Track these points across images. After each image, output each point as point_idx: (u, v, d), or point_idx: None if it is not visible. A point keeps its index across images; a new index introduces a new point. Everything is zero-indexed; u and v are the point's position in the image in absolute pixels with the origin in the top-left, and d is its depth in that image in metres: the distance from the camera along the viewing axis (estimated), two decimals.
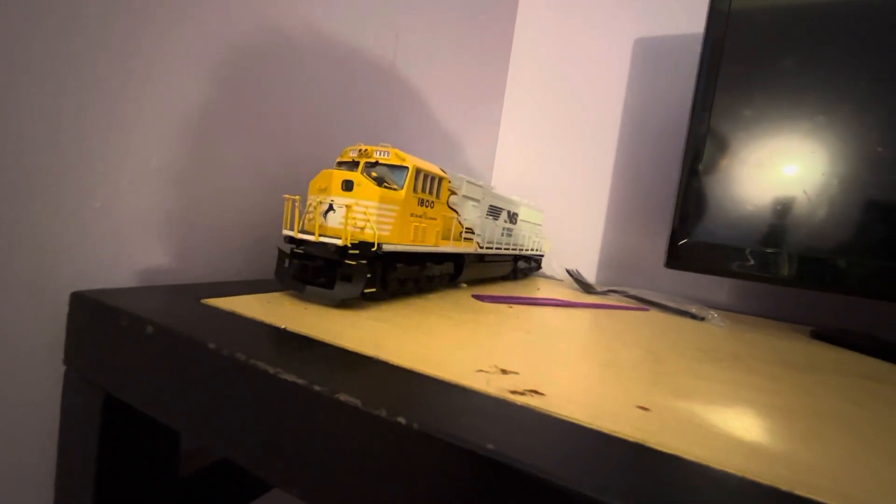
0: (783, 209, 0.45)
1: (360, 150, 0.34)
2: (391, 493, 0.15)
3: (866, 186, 0.41)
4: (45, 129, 0.26)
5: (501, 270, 0.57)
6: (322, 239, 0.30)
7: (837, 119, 0.42)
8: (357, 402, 0.16)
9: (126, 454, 0.27)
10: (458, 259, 0.45)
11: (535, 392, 0.19)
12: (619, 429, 0.17)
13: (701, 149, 0.47)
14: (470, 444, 0.14)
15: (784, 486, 0.14)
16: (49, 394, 0.27)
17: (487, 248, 0.49)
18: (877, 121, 0.41)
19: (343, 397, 0.16)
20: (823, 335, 0.46)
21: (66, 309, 0.26)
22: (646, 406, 0.19)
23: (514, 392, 0.19)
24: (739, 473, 0.15)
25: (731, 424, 0.19)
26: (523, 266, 0.64)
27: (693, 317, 0.48)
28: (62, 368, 0.27)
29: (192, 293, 0.29)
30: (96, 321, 0.25)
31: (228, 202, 0.38)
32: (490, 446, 0.14)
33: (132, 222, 0.31)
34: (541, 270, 0.75)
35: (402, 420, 0.15)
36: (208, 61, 0.34)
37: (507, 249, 0.55)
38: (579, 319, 0.39)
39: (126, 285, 0.31)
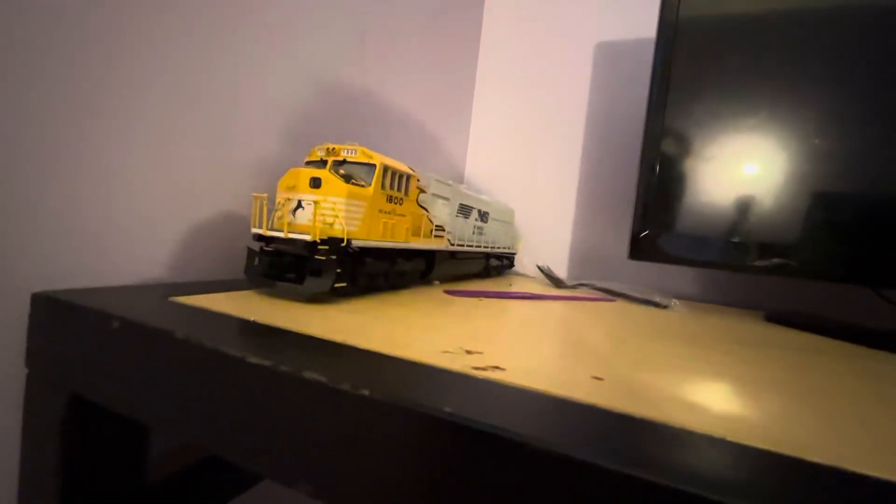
0: (735, 200, 0.48)
1: (328, 149, 0.35)
2: (358, 463, 0.16)
3: (806, 176, 0.45)
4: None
5: (474, 267, 0.58)
6: (291, 235, 0.30)
7: (778, 114, 0.45)
8: (323, 378, 0.16)
9: (92, 457, 0.27)
10: (429, 256, 0.46)
11: (497, 368, 0.20)
12: (572, 394, 0.18)
13: (657, 146, 0.50)
14: (430, 409, 0.15)
15: (717, 434, 0.15)
16: (9, 398, 0.27)
17: (458, 245, 0.50)
18: (813, 114, 0.44)
19: (309, 375, 0.17)
20: (776, 318, 0.49)
21: (25, 310, 0.26)
22: (600, 376, 0.21)
23: (476, 368, 0.20)
24: (678, 425, 0.16)
25: (678, 389, 0.20)
26: (496, 264, 0.66)
27: (657, 305, 0.50)
28: (24, 371, 0.26)
29: (158, 292, 0.28)
30: (60, 321, 0.24)
31: (195, 203, 0.38)
32: (448, 409, 0.15)
33: (93, 224, 0.31)
34: (514, 268, 0.77)
35: (365, 392, 0.16)
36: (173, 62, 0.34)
37: (479, 247, 0.56)
38: (546, 310, 0.40)
39: (88, 286, 0.30)
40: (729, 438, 0.15)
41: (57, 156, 0.29)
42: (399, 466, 0.16)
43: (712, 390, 0.21)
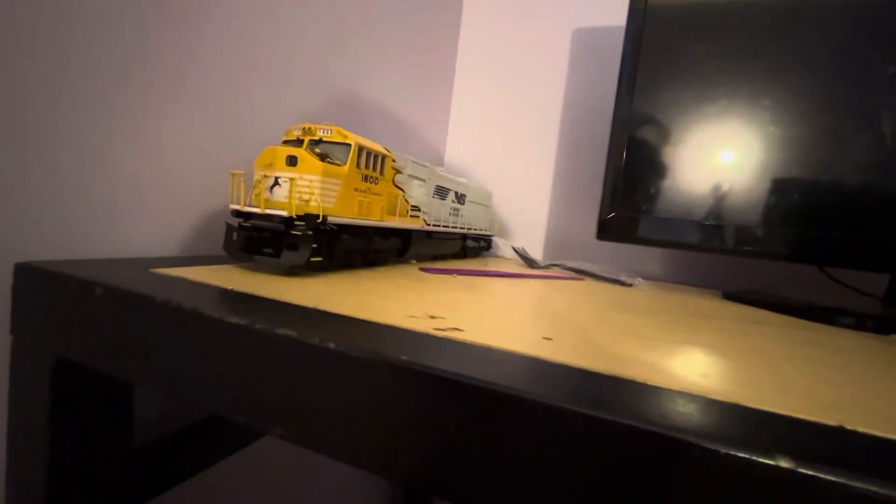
0: (696, 184, 0.50)
1: (304, 129, 0.36)
2: (325, 409, 0.18)
3: (763, 162, 0.47)
4: None
5: (450, 248, 0.60)
6: (269, 211, 0.32)
7: (737, 101, 0.48)
8: (293, 333, 0.18)
9: (78, 421, 0.28)
10: (405, 235, 0.48)
11: (456, 329, 0.22)
12: (521, 349, 0.20)
13: (625, 130, 0.52)
14: (388, 357, 0.17)
15: (651, 383, 0.18)
16: None
17: (435, 225, 0.52)
18: (768, 103, 0.46)
19: (281, 331, 0.18)
20: (733, 295, 0.52)
21: (8, 280, 0.27)
22: (550, 337, 0.23)
23: (436, 329, 0.22)
24: (608, 373, 0.18)
25: (620, 349, 0.22)
26: (472, 245, 0.68)
27: (622, 283, 0.53)
28: (7, 339, 0.27)
29: (139, 265, 0.30)
30: (43, 289, 0.25)
31: (173, 180, 0.38)
32: (404, 357, 0.17)
33: (73, 198, 0.32)
34: (491, 250, 0.79)
35: (331, 345, 0.18)
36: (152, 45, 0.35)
37: (455, 228, 0.58)
38: (515, 287, 0.42)
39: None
40: (654, 383, 0.18)
41: (39, 130, 0.29)
42: (361, 410, 0.18)
43: (652, 349, 0.23)
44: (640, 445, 0.14)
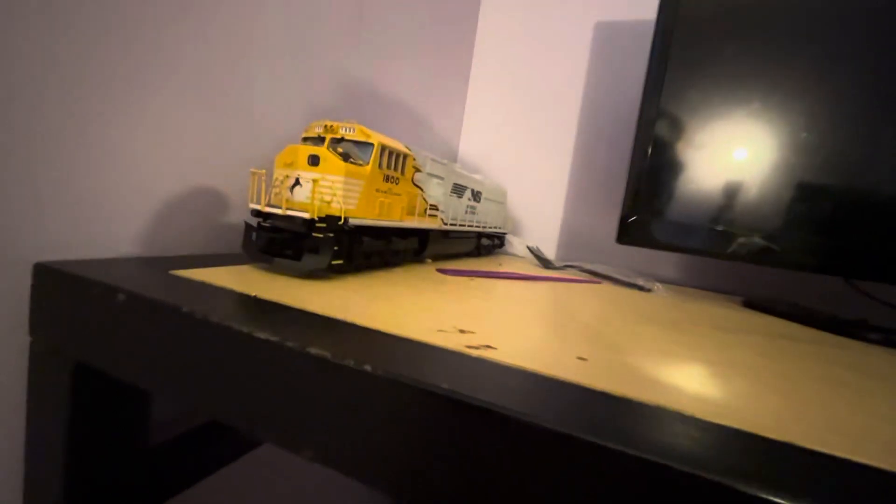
0: (721, 189, 0.49)
1: (325, 126, 0.35)
2: (357, 432, 0.17)
3: (793, 168, 0.46)
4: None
5: (465, 247, 0.59)
6: (290, 212, 0.31)
7: (769, 105, 0.46)
8: (327, 354, 0.18)
9: (96, 421, 0.28)
10: (422, 235, 0.47)
11: (489, 347, 0.22)
12: (558, 374, 0.19)
13: (651, 131, 0.50)
14: (429, 385, 0.16)
15: (688, 412, 0.17)
16: (11, 366, 0.27)
17: (451, 224, 0.51)
18: (802, 108, 0.45)
19: (314, 350, 0.18)
20: (754, 304, 0.51)
21: (26, 280, 0.26)
22: (584, 357, 0.22)
23: (469, 347, 0.21)
24: (654, 403, 0.17)
25: (655, 371, 0.22)
26: (487, 243, 0.67)
27: (640, 288, 0.52)
28: (26, 340, 0.27)
29: (159, 265, 0.29)
30: (63, 291, 0.25)
31: (192, 177, 0.38)
32: (445, 386, 0.16)
33: (91, 196, 0.31)
34: (504, 248, 0.78)
35: (368, 368, 0.17)
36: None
37: (471, 226, 0.57)
38: (535, 290, 0.42)
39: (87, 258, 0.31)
40: (697, 416, 0.17)
41: (58, 128, 0.28)
42: (396, 436, 0.17)
43: (687, 373, 0.22)
44: (681, 488, 0.13)
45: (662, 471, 0.13)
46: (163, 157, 0.35)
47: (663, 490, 0.13)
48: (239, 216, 0.42)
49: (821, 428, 0.17)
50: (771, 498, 0.12)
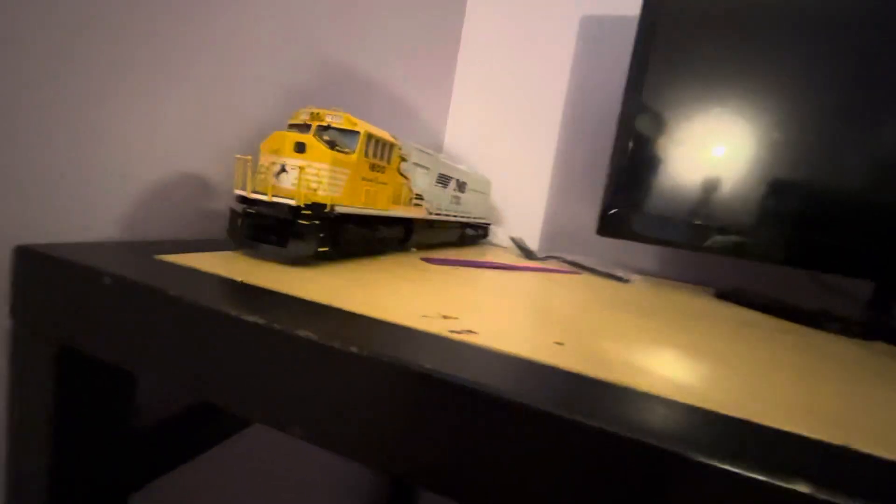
0: (700, 184, 0.51)
1: (311, 113, 0.35)
2: (345, 411, 0.18)
3: (765, 166, 0.48)
4: None
5: (450, 236, 0.60)
6: (275, 199, 0.31)
7: (745, 104, 0.48)
8: (314, 336, 0.18)
9: (81, 404, 0.28)
10: (407, 223, 0.47)
11: (471, 332, 0.22)
12: (537, 357, 0.20)
13: (632, 125, 0.52)
14: (412, 365, 0.17)
15: (654, 392, 0.18)
16: None
17: (436, 214, 0.52)
18: (775, 107, 0.47)
19: (302, 333, 0.18)
20: (725, 295, 0.54)
21: (5, 264, 0.26)
22: (561, 342, 0.23)
23: (452, 331, 0.22)
24: (623, 384, 0.19)
25: (626, 355, 0.23)
26: (471, 233, 0.68)
27: (619, 279, 0.54)
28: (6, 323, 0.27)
29: (143, 250, 0.29)
30: (46, 274, 0.25)
31: (175, 162, 0.37)
32: (428, 366, 0.17)
33: (73, 180, 0.31)
34: (488, 238, 0.79)
35: (354, 349, 0.18)
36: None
37: (456, 216, 0.58)
38: (517, 280, 0.43)
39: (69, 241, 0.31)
40: (657, 393, 0.18)
41: (36, 111, 0.28)
42: (381, 414, 0.18)
43: (654, 356, 0.24)
44: (648, 461, 0.14)
45: (630, 444, 0.15)
46: (146, 141, 0.35)
47: (629, 460, 0.15)
48: (224, 203, 0.42)
49: (776, 405, 0.19)
50: (727, 467, 0.14)
